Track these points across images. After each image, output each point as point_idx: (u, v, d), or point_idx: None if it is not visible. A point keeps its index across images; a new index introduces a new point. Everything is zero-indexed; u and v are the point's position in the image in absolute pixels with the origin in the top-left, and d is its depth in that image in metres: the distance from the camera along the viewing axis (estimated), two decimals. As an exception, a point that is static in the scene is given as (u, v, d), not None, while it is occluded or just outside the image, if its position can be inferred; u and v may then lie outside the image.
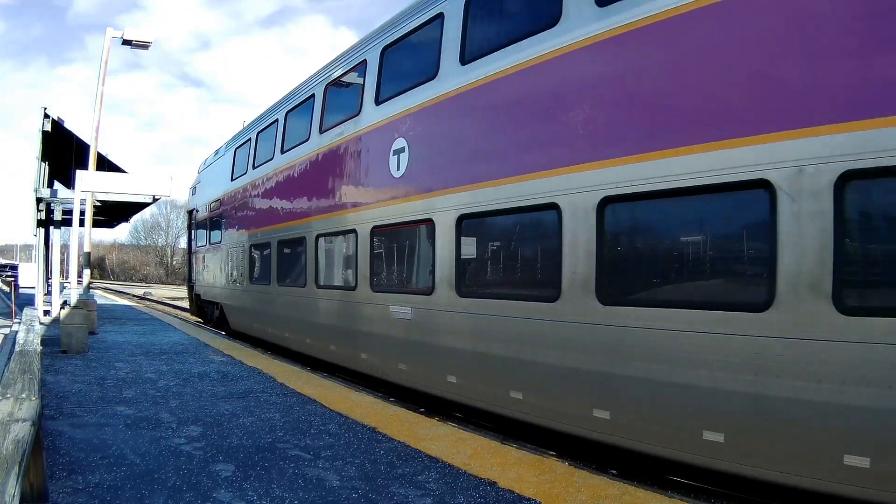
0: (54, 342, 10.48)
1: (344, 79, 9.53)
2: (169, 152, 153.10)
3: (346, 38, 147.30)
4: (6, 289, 29.28)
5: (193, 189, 18.20)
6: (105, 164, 15.71)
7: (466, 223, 6.67)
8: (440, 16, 7.21)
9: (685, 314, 4.58)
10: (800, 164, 3.99)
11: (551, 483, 4.25)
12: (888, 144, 3.59)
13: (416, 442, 5.24)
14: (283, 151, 11.46)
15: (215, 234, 15.61)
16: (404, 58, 8.15)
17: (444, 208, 6.91)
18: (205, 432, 5.40)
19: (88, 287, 15.49)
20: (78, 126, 15.77)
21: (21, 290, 20.27)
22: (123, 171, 15.88)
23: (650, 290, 5.06)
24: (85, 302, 12.02)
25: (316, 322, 10.08)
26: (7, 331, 12.38)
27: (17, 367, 4.71)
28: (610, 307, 5.06)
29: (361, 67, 8.88)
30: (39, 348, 6.85)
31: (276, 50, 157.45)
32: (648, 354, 4.79)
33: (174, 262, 74.33)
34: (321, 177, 9.84)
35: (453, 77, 6.91)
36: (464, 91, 6.75)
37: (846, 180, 3.80)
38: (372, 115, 8.44)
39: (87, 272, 15.44)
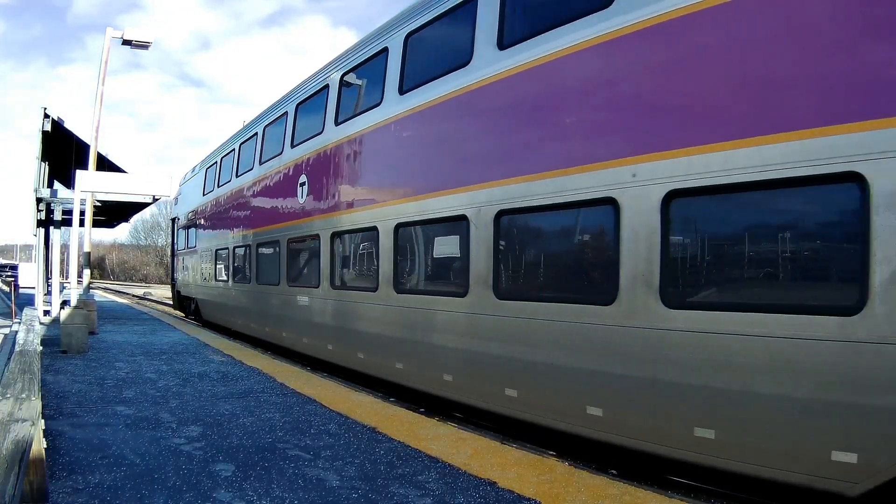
0: (54, 342, 10.49)
1: (276, 123, 12.00)
2: (169, 152, 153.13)
3: (346, 38, 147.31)
4: (6, 289, 29.26)
5: (175, 200, 20.52)
6: (105, 164, 15.71)
7: (336, 238, 9.32)
8: (326, 87, 9.81)
9: (431, 299, 7.22)
10: (478, 206, 6.38)
11: (551, 483, 4.25)
12: (520, 193, 5.89)
13: (416, 442, 5.24)
14: (237, 175, 14.07)
15: (191, 240, 18.15)
16: (308, 113, 10.61)
17: (324, 227, 9.58)
18: (205, 432, 5.40)
19: (88, 287, 15.50)
20: (78, 126, 15.83)
21: (21, 290, 20.27)
22: (123, 171, 15.89)
23: (416, 282, 7.77)
24: (85, 302, 12.02)
25: (256, 311, 12.83)
26: (7, 331, 12.37)
27: (17, 367, 4.71)
28: (399, 294, 7.79)
29: (284, 116, 11.45)
30: (39, 348, 6.85)
31: (277, 50, 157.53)
32: (416, 324, 7.46)
33: (174, 262, 74.16)
34: (261, 198, 12.53)
35: (332, 133, 9.46)
36: (335, 145, 9.38)
37: (500, 216, 6.15)
38: (289, 155, 11.05)
39: (87, 272, 15.44)
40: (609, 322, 4.98)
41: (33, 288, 18.96)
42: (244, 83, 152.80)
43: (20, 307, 15.40)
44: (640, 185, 4.79)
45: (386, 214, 7.99)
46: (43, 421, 4.19)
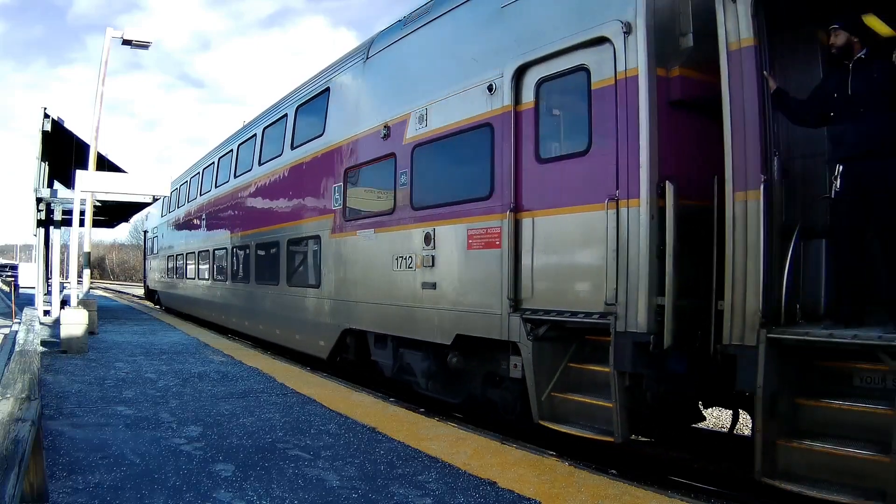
0: (54, 342, 10.49)
1: (184, 185, 19.13)
2: (169, 153, 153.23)
3: (346, 39, 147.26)
4: (6, 289, 29.25)
5: (146, 216, 27.23)
6: (105, 164, 15.71)
7: (202, 253, 16.32)
8: (254, 135, 13.68)
9: (243, 285, 13.31)
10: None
11: (551, 483, 4.25)
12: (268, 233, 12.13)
13: (416, 442, 5.24)
14: (179, 206, 19.97)
15: (155, 248, 24.21)
16: (186, 188, 18.78)
17: (209, 245, 15.81)
18: (205, 432, 5.39)
19: (89, 290, 15.50)
20: (78, 126, 15.92)
21: (21, 290, 20.26)
22: (123, 171, 15.88)
23: (211, 272, 15.69)
24: (85, 302, 12.01)
25: (185, 296, 18.97)
26: (7, 331, 12.37)
27: (17, 367, 4.70)
28: (234, 282, 13.98)
29: (186, 183, 18.87)
30: (39, 348, 6.84)
31: (276, 50, 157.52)
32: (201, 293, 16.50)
33: (174, 262, 74.01)
34: (181, 227, 19.36)
35: (185, 206, 18.56)
36: (187, 210, 18.29)
37: (258, 246, 12.48)
38: (197, 200, 17.47)
39: (86, 272, 15.44)
40: (279, 292, 11.03)
41: (33, 288, 18.96)
42: (244, 83, 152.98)
43: (20, 307, 15.40)
44: (282, 235, 10.94)
45: (219, 242, 14.90)
46: (43, 421, 4.19)
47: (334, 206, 8.86)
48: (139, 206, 18.73)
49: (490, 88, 5.97)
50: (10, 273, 41.99)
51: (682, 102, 4.76)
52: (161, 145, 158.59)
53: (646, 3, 4.62)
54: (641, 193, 4.60)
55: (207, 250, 15.69)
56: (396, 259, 7.23)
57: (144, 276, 29.22)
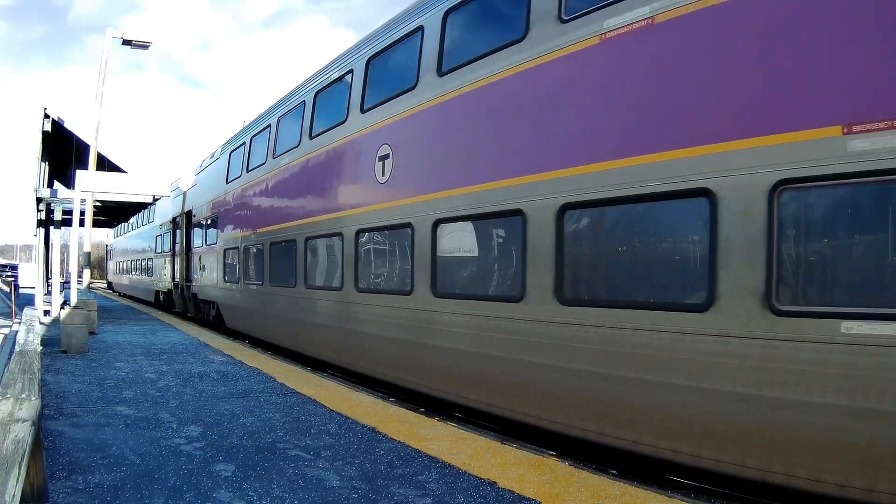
0: (54, 342, 10.49)
1: (124, 226, 32.62)
2: (169, 153, 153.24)
3: (346, 39, 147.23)
4: (6, 289, 29.29)
5: (108, 235, 41.67)
6: (105, 164, 15.73)
7: (127, 262, 34.29)
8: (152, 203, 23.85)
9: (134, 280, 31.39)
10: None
11: (551, 483, 4.25)
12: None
13: (416, 442, 5.24)
14: (120, 235, 35.47)
15: (112, 256, 40.65)
16: (125, 227, 33.37)
17: (127, 258, 34.30)
18: (205, 432, 5.40)
19: (89, 288, 15.51)
20: (78, 126, 15.91)
21: (21, 290, 20.31)
22: (123, 172, 15.90)
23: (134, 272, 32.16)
24: (85, 302, 12.02)
25: (121, 283, 35.98)
26: (7, 331, 12.37)
27: (17, 367, 4.70)
28: (135, 275, 31.87)
29: (126, 224, 31.73)
30: (39, 348, 6.84)
31: (276, 51, 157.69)
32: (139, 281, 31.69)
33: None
34: (120, 246, 37.08)
35: (121, 236, 36.92)
36: (123, 238, 36.35)
37: (142, 260, 30.62)
38: (124, 234, 34.79)
39: (87, 272, 15.45)
40: (148, 278, 26.76)
41: (33, 288, 19.00)
42: (244, 84, 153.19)
43: (20, 307, 15.40)
44: (145, 256, 28.60)
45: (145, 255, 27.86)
46: (43, 421, 4.19)
47: (159, 245, 23.54)
48: (139, 206, 18.79)
49: (169, 221, 21.83)
50: (10, 273, 42.25)
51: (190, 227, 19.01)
52: (161, 145, 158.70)
53: (182, 210, 19.63)
54: (184, 250, 19.59)
55: (127, 260, 31.41)
56: (163, 266, 22.74)
57: (106, 274, 47.90)
